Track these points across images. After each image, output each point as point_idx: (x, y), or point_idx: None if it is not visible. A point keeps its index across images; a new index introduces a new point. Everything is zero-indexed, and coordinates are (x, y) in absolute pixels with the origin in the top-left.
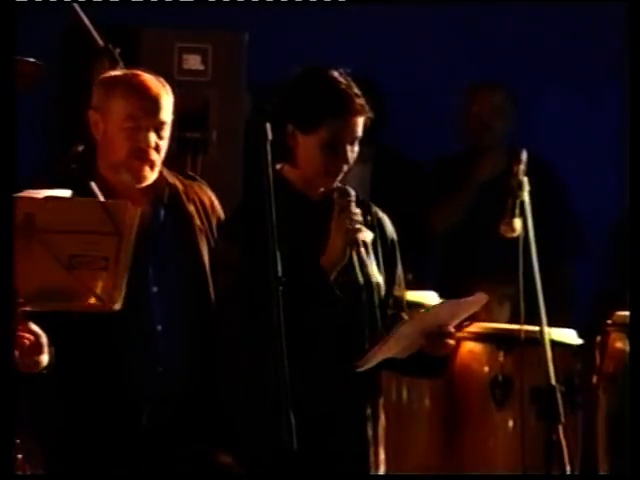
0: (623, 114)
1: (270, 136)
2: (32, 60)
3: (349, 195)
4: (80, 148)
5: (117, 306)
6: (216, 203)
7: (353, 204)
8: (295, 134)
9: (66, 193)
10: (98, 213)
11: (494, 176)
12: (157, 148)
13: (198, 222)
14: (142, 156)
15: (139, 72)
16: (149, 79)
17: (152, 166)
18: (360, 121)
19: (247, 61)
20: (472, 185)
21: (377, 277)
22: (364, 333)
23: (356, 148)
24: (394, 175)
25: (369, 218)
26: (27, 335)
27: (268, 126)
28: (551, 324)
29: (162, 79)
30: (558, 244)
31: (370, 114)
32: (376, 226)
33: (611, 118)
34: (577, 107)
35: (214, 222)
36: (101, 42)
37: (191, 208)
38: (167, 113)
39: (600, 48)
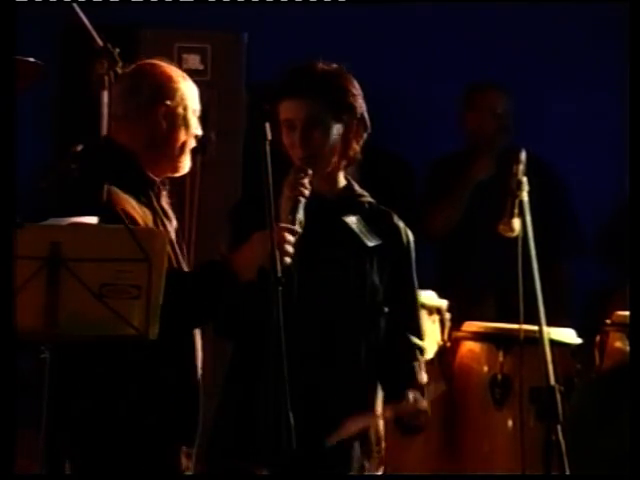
0: (623, 113)
1: (270, 136)
2: (32, 60)
3: (304, 171)
4: (79, 148)
5: (153, 335)
6: None
7: (306, 181)
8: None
9: (92, 220)
10: (126, 240)
11: (491, 176)
12: None
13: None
14: (186, 148)
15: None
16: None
17: None
18: (299, 103)
19: (246, 61)
20: (468, 185)
21: (373, 278)
22: (351, 334)
23: (317, 132)
24: (382, 174)
25: (383, 226)
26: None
27: (267, 126)
28: (549, 323)
29: None
30: (556, 243)
31: (311, 100)
32: (390, 234)
33: (611, 118)
34: (576, 107)
35: None
36: (100, 42)
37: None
38: None
39: (600, 48)
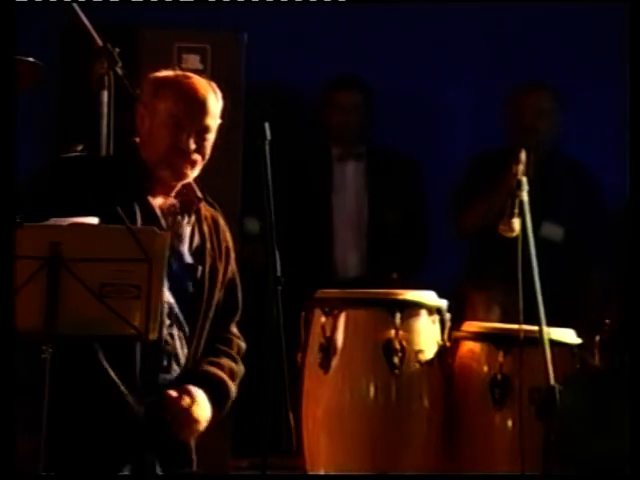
0: (623, 114)
1: (269, 136)
2: (32, 60)
3: None
4: (79, 148)
5: (153, 335)
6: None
7: None
8: None
9: (92, 220)
10: (126, 240)
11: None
12: (198, 150)
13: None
14: (182, 154)
15: (190, 75)
16: (199, 82)
17: (193, 165)
18: None
19: (246, 61)
20: (506, 187)
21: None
22: None
23: None
24: (389, 173)
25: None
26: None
27: (267, 125)
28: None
29: (214, 84)
30: (590, 249)
31: None
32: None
33: (612, 120)
34: (577, 107)
35: None
36: (100, 42)
37: (205, 228)
38: (212, 117)
39: (600, 48)
